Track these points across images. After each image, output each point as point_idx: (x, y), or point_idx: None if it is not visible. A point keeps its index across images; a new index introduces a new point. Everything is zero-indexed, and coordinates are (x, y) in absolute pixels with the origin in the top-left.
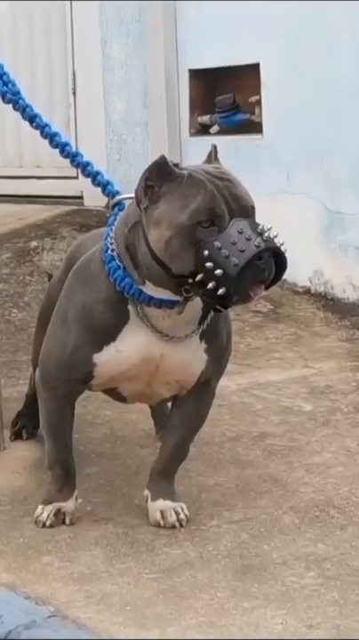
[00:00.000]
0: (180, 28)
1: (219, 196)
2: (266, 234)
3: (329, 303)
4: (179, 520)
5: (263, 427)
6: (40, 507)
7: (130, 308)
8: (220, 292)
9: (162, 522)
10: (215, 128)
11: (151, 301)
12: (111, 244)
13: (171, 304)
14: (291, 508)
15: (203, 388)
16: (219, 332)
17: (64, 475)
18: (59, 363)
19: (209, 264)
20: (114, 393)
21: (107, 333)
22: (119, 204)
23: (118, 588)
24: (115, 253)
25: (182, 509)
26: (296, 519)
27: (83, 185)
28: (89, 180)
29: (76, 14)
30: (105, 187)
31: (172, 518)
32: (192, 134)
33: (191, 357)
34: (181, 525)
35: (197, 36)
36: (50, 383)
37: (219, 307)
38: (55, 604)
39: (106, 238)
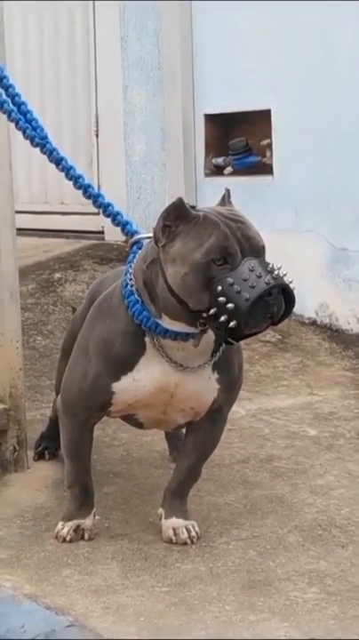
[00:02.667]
0: (197, 75)
1: (232, 236)
2: (275, 272)
3: (334, 334)
4: (190, 537)
5: (270, 450)
6: (60, 523)
7: (147, 339)
8: (232, 324)
9: (174, 538)
10: (228, 169)
11: (167, 334)
12: (130, 279)
13: (185, 336)
14: (296, 527)
15: (216, 416)
16: (231, 364)
17: (82, 494)
18: (79, 391)
19: (221, 299)
20: (131, 419)
21: (125, 363)
22: (137, 243)
23: (132, 600)
24: (133, 288)
25: (193, 527)
26: (300, 537)
27: (104, 221)
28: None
29: (100, 60)
30: (124, 226)
31: (184, 535)
32: (207, 175)
33: (204, 387)
34: (192, 542)
35: (213, 83)
36: (70, 410)
37: (230, 339)
38: (74, 615)
39: (125, 274)
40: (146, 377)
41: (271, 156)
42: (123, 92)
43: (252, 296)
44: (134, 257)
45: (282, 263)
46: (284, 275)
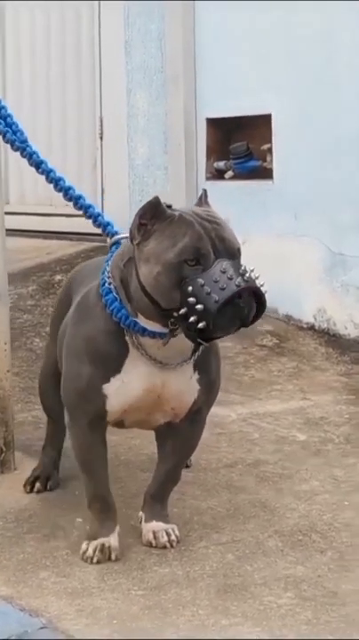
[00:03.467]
0: (199, 79)
1: (206, 236)
2: (247, 274)
3: (331, 339)
4: (169, 541)
5: (258, 455)
6: (85, 543)
7: (127, 338)
8: (200, 325)
9: (154, 542)
10: (229, 173)
11: (145, 332)
12: (108, 277)
13: (163, 335)
14: (276, 532)
15: (195, 417)
16: (210, 365)
17: (104, 510)
18: (76, 392)
19: (191, 299)
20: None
21: (111, 364)
22: (117, 244)
23: (107, 603)
24: (111, 287)
25: (173, 530)
26: (279, 542)
27: None
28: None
29: (105, 64)
30: (105, 227)
31: (164, 539)
32: (208, 178)
33: (186, 387)
34: (172, 546)
35: (215, 87)
36: (73, 415)
37: (199, 340)
38: (47, 617)
39: (103, 272)
40: (134, 379)
41: (271, 160)
42: (126, 96)
43: (222, 298)
44: (112, 256)
45: (280, 267)
46: (257, 277)
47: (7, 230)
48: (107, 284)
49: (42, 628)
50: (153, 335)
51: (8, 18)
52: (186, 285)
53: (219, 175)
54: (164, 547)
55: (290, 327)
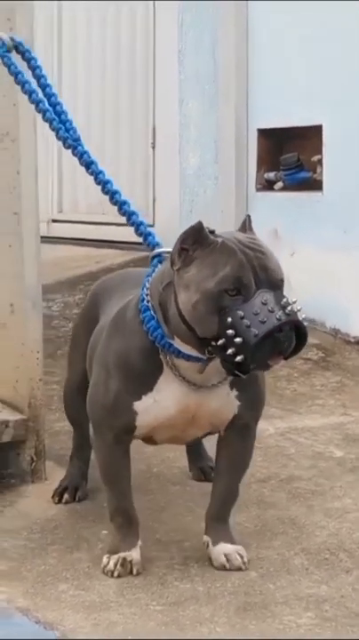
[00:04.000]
0: (251, 89)
1: (249, 266)
2: (289, 307)
3: None
4: (243, 562)
5: (292, 470)
6: (106, 557)
7: (162, 357)
8: (238, 359)
9: (227, 565)
10: (279, 184)
11: (180, 354)
12: (146, 294)
13: (198, 360)
14: (303, 550)
15: (244, 432)
16: (251, 380)
17: (126, 524)
18: (103, 408)
19: (230, 331)
20: (146, 438)
21: (144, 382)
22: (158, 256)
23: (124, 618)
24: (149, 304)
25: (243, 552)
26: (305, 561)
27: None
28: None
29: (159, 73)
30: (146, 237)
31: (238, 561)
32: (258, 189)
33: (223, 404)
34: (246, 568)
35: (267, 98)
36: (98, 429)
37: (237, 372)
38: (62, 630)
39: (142, 288)
40: (167, 398)
41: (321, 171)
42: (179, 105)
43: (261, 332)
44: (153, 271)
45: (328, 279)
46: (299, 310)
47: (60, 238)
48: (145, 301)
49: None
50: (188, 358)
51: (65, 27)
52: (225, 316)
53: (269, 186)
54: (239, 568)
55: (337, 341)
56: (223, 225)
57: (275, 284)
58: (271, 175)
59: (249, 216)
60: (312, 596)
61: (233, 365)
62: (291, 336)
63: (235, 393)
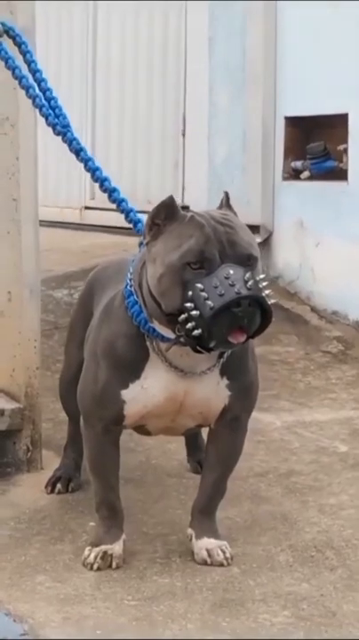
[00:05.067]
0: (279, 77)
1: (215, 240)
2: (250, 282)
3: None
4: (225, 558)
5: (293, 465)
6: (87, 549)
7: (148, 344)
8: (195, 333)
9: (208, 560)
10: (306, 174)
11: (164, 339)
12: (130, 279)
13: (175, 339)
14: (290, 547)
15: (234, 424)
16: (243, 369)
17: (111, 517)
18: (92, 398)
19: (189, 304)
20: (139, 428)
21: (131, 369)
22: None
23: (96, 612)
24: (133, 289)
25: (227, 548)
26: (291, 557)
27: None
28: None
29: (190, 60)
30: (136, 224)
31: (220, 557)
32: (285, 178)
33: (212, 393)
34: (228, 564)
35: (294, 86)
36: (88, 420)
37: (199, 348)
38: (31, 623)
39: (127, 273)
40: (154, 385)
41: (347, 161)
42: (208, 94)
43: (217, 304)
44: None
45: (352, 271)
46: (263, 286)
47: (91, 226)
48: (129, 286)
49: (22, 634)
50: (173, 343)
51: (99, 16)
52: (186, 290)
53: (295, 175)
54: (221, 564)
55: (358, 334)
56: (248, 215)
57: (242, 259)
58: (298, 164)
59: (226, 192)
60: (291, 594)
61: (193, 340)
62: (251, 312)
63: (225, 382)
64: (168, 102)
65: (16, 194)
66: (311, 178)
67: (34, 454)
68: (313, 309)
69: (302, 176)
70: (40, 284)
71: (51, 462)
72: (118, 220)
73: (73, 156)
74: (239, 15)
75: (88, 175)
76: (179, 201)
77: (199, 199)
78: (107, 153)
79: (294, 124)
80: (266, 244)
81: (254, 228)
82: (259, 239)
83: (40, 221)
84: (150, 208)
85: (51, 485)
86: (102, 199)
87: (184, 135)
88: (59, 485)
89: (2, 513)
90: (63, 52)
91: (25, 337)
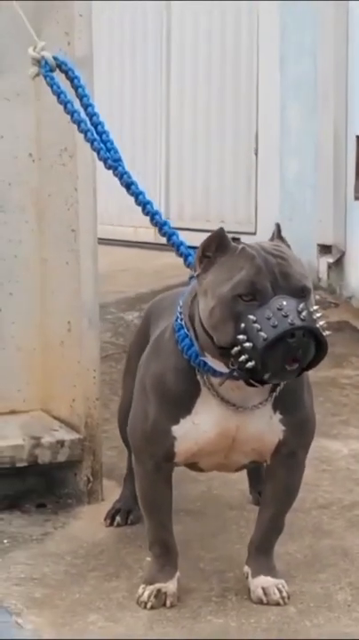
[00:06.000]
0: (351, 95)
1: (267, 271)
2: (304, 313)
3: None
4: (281, 597)
5: (357, 496)
6: (141, 587)
7: (199, 378)
8: (249, 365)
9: (264, 599)
10: None
11: (215, 373)
12: (180, 312)
13: (229, 373)
14: (349, 584)
15: (290, 461)
16: (298, 403)
17: (164, 554)
18: (142, 434)
19: (241, 336)
20: (192, 465)
21: (181, 404)
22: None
23: None
24: (183, 322)
25: (283, 586)
26: (349, 596)
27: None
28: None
29: (261, 78)
30: (186, 258)
31: (276, 596)
32: (356, 198)
33: (265, 427)
34: (285, 603)
35: None
36: (139, 457)
37: (252, 381)
38: None
39: (177, 306)
40: (205, 421)
41: None
42: (280, 112)
43: (271, 336)
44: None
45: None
46: (317, 317)
47: (165, 245)
48: (179, 320)
49: None
50: (224, 376)
51: (173, 35)
52: (238, 322)
53: None
54: (278, 604)
55: None
56: (320, 235)
57: (295, 291)
58: None
59: (278, 224)
60: (348, 635)
61: (246, 373)
62: (306, 343)
63: (278, 417)
64: (241, 121)
65: (75, 225)
66: None
67: (94, 485)
68: None
69: None
70: (99, 313)
71: (113, 493)
72: (192, 239)
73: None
74: (310, 34)
75: (162, 194)
76: (251, 221)
77: (271, 218)
78: (181, 172)
79: None
80: (338, 263)
81: (326, 248)
82: (331, 259)
83: (116, 241)
84: (224, 227)
85: (111, 518)
86: (176, 218)
87: (256, 154)
88: (118, 518)
89: (60, 547)
90: (138, 72)
91: (84, 367)
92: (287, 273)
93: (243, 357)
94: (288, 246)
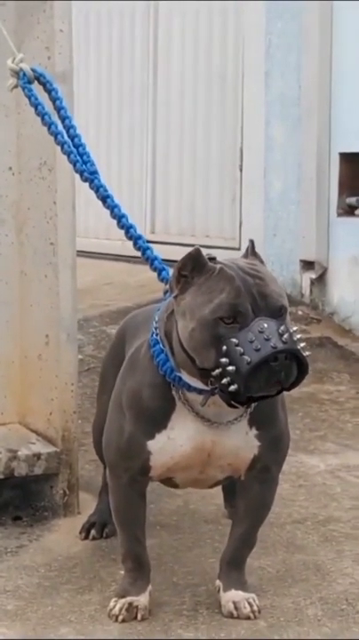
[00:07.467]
0: (334, 112)
1: (247, 293)
2: (285, 335)
3: None
4: (252, 611)
5: (332, 511)
6: (113, 600)
7: (174, 393)
8: (232, 388)
9: (235, 612)
10: None
11: (190, 388)
12: (155, 327)
13: (209, 392)
14: (320, 599)
15: (264, 476)
16: (273, 419)
17: (136, 568)
18: (117, 449)
19: (224, 359)
20: (167, 481)
21: (157, 419)
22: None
23: None
24: (158, 337)
25: (254, 600)
26: (320, 611)
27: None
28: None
29: (246, 94)
30: (160, 272)
31: (246, 610)
32: (339, 215)
33: (241, 443)
34: (255, 617)
35: (349, 121)
36: (113, 471)
37: (234, 403)
38: None
39: (152, 321)
40: (181, 435)
41: None
42: (264, 128)
43: (254, 360)
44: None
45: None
46: (298, 339)
47: None
48: (154, 335)
49: None
50: (199, 392)
51: (160, 50)
52: (220, 345)
53: (350, 211)
54: (248, 617)
55: None
56: (305, 251)
57: (274, 311)
58: (353, 200)
59: (252, 241)
60: None
61: (229, 395)
62: (288, 365)
63: (254, 432)
64: (226, 137)
65: (53, 238)
66: None
67: (70, 499)
68: None
69: (357, 212)
70: (77, 327)
71: (90, 506)
72: (177, 254)
73: (133, 191)
74: (295, 50)
75: (149, 209)
76: (236, 237)
77: (254, 233)
78: (167, 187)
79: (349, 160)
80: (320, 280)
81: (309, 264)
82: (313, 275)
83: (103, 254)
84: (208, 242)
85: (86, 531)
86: (162, 233)
87: (241, 170)
88: (93, 531)
89: (34, 560)
90: (124, 87)
91: (62, 381)
92: (265, 293)
93: (225, 380)
94: (261, 262)
